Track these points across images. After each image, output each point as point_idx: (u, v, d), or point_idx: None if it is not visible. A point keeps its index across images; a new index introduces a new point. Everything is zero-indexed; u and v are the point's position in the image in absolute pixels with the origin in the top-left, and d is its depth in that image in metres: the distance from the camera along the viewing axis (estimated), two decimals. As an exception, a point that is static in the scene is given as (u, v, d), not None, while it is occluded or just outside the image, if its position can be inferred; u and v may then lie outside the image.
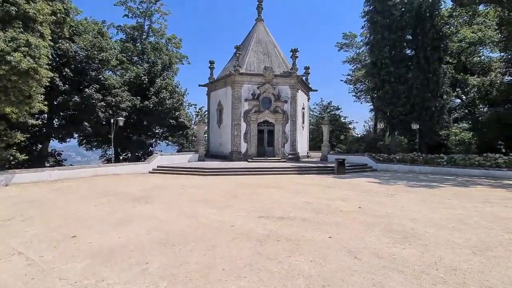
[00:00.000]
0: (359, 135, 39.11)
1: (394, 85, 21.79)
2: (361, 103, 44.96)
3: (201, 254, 4.66)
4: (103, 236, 5.67)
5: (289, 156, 22.39)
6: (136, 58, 24.68)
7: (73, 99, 15.67)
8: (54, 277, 3.91)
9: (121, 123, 18.16)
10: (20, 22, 11.38)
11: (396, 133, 24.86)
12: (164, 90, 23.54)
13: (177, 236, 5.60)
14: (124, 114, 19.40)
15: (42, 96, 13.09)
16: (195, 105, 42.87)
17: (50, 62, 12.62)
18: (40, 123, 16.71)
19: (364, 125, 66.23)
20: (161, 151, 21.81)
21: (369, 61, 26.00)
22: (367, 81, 30.35)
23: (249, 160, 21.33)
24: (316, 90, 28.21)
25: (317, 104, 43.61)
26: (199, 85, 27.22)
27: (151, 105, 22.81)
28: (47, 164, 19.88)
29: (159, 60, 24.52)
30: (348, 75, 40.19)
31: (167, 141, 35.42)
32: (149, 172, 18.17)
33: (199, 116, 39.62)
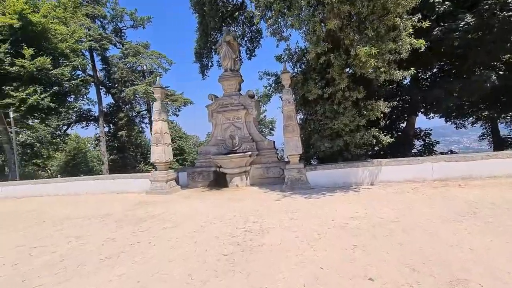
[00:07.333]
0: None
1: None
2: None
3: None
4: None
5: None
6: None
7: (465, 19, 7.58)
8: None
9: None
10: None
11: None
12: None
13: None
14: None
15: (414, 22, 6.72)
16: None
17: None
18: (409, 77, 9.59)
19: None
20: None
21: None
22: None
23: None
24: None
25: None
26: None
27: None
28: (413, 150, 14.28)
29: None
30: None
31: None
32: None
33: None
